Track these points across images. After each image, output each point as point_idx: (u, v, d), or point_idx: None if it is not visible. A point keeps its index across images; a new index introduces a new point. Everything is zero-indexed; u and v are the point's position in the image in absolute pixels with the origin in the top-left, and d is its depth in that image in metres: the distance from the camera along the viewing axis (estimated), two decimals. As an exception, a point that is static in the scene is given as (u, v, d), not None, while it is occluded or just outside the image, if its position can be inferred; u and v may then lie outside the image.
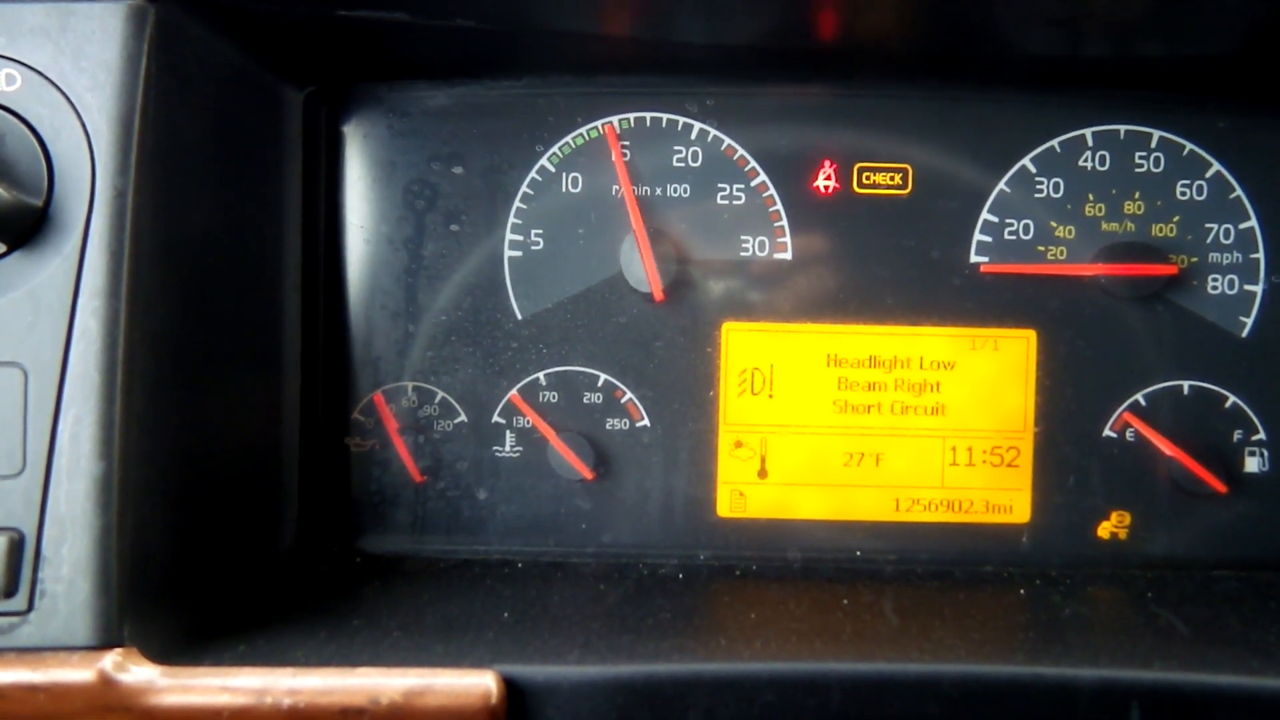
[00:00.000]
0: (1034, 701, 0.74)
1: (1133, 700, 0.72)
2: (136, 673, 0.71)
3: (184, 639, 0.76)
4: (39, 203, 0.72)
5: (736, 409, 1.00)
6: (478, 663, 0.73)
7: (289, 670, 0.72)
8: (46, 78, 0.73)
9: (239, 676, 0.72)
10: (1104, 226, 0.99)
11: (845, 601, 0.88)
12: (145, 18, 0.74)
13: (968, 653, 0.77)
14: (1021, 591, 0.92)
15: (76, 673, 0.70)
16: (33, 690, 0.70)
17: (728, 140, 0.99)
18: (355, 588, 0.91)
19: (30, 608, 0.71)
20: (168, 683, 0.71)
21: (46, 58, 0.73)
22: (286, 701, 0.71)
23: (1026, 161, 0.99)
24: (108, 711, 0.70)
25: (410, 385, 1.01)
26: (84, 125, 0.73)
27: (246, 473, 0.93)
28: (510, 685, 0.72)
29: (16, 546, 0.71)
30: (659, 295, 0.97)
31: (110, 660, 0.70)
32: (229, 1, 0.79)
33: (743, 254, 0.99)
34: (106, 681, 0.70)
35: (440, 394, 1.01)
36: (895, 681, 0.74)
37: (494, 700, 0.71)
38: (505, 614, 0.84)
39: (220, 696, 0.71)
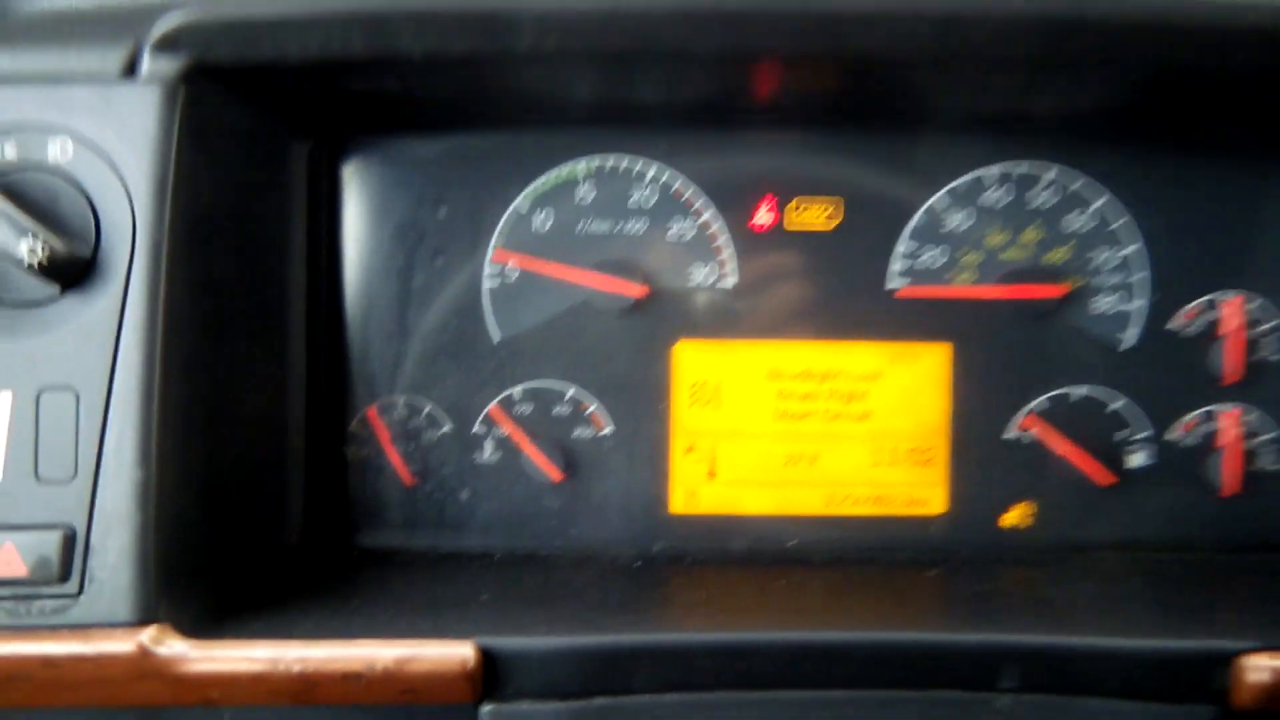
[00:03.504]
0: (933, 661, 0.80)
1: (1007, 658, 0.80)
2: (170, 645, 0.76)
3: (210, 617, 0.80)
4: (88, 253, 0.78)
5: (689, 417, 1.05)
6: (459, 635, 0.78)
7: (298, 643, 0.77)
8: (95, 147, 0.78)
9: (256, 648, 0.77)
10: (1004, 256, 1.04)
11: (781, 583, 0.92)
12: (177, 94, 0.79)
13: (878, 622, 0.83)
14: (934, 573, 0.96)
15: (119, 645, 0.76)
16: (82, 660, 0.75)
17: (679, 181, 1.03)
18: (354, 576, 0.95)
19: (81, 591, 0.76)
20: (197, 654, 0.76)
21: (95, 130, 0.78)
22: (296, 668, 0.77)
23: (940, 195, 1.04)
24: (145, 678, 0.76)
25: (401, 399, 1.05)
26: (126, 187, 0.78)
27: (260, 477, 0.96)
28: (486, 653, 0.78)
29: (69, 540, 0.76)
30: (640, 292, 1.02)
31: (148, 635, 0.76)
32: (252, 78, 0.84)
33: (692, 283, 1.05)
34: (145, 653, 0.76)
35: (429, 406, 1.05)
36: (813, 647, 0.80)
37: (470, 665, 0.77)
38: (484, 596, 0.89)
39: (240, 664, 0.77)
